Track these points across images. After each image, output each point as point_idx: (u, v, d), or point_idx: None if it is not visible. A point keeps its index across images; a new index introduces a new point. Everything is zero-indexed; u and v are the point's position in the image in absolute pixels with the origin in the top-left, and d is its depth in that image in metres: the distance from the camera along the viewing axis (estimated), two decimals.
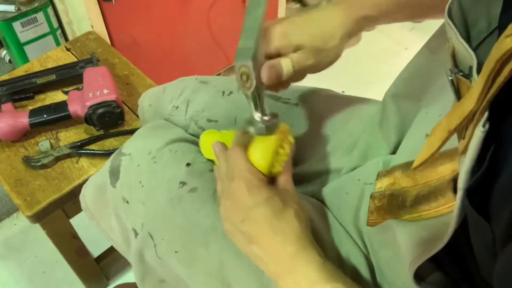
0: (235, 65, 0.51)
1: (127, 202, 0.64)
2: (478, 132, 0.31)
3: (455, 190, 0.42)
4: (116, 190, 0.65)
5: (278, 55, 0.55)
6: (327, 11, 0.56)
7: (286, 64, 0.54)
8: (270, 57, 0.54)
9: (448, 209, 0.42)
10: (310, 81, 0.73)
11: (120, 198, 0.65)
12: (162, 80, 1.10)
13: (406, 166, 0.50)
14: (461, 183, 0.33)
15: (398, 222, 0.48)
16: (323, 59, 0.56)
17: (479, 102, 0.31)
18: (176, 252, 0.59)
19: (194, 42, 1.43)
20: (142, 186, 0.62)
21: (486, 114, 0.31)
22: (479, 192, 0.32)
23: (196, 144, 0.67)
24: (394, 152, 0.62)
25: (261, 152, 0.53)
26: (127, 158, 0.65)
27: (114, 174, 0.66)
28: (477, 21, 0.39)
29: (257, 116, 0.53)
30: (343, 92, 0.76)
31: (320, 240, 0.55)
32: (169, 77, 0.79)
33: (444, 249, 0.39)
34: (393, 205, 0.50)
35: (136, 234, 0.63)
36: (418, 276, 0.43)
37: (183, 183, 0.61)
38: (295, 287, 0.47)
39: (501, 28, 0.40)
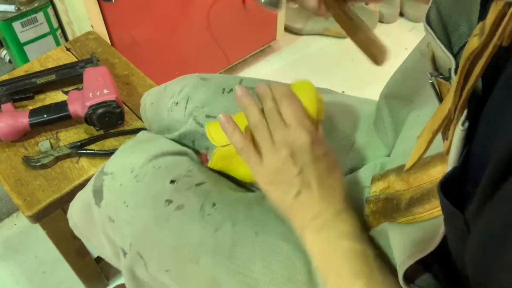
0: None
1: (113, 221, 0.63)
2: (458, 131, 0.31)
3: None
4: (101, 209, 0.64)
5: None
6: None
7: None
8: None
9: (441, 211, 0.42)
10: (311, 81, 0.74)
11: (106, 217, 0.64)
12: (162, 80, 1.10)
13: (400, 169, 0.50)
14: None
15: (392, 224, 0.48)
16: None
17: (455, 100, 0.32)
18: (167, 270, 0.59)
19: (194, 42, 1.43)
20: (127, 206, 0.61)
21: (465, 113, 0.31)
22: (456, 186, 0.33)
23: (181, 154, 0.66)
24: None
25: (308, 97, 0.51)
26: (109, 177, 0.64)
27: (98, 194, 0.65)
28: (458, 26, 0.40)
29: None
30: (343, 92, 0.76)
31: None
32: (169, 77, 0.79)
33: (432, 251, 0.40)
34: (387, 209, 0.50)
35: (124, 253, 0.63)
36: (407, 278, 0.43)
37: (169, 201, 0.59)
38: (324, 239, 0.47)
39: None
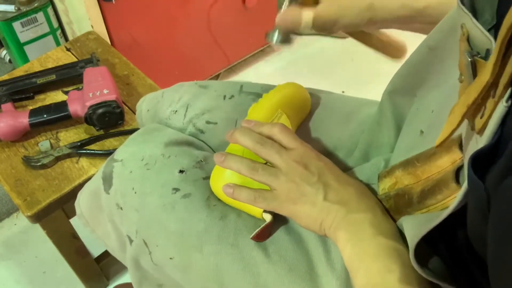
0: None
1: (121, 208, 0.63)
2: (501, 107, 0.31)
3: (457, 180, 0.43)
4: (110, 196, 0.65)
5: None
6: None
7: (306, 18, 0.60)
8: None
9: (454, 199, 0.42)
10: (311, 81, 0.74)
11: (114, 205, 0.64)
12: (162, 80, 1.10)
13: (406, 164, 0.50)
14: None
15: (406, 217, 0.48)
16: (342, 16, 0.59)
17: (494, 73, 0.32)
18: (171, 258, 0.59)
19: (194, 42, 1.43)
20: (135, 192, 0.62)
21: (510, 90, 0.31)
22: (485, 163, 0.33)
23: (188, 144, 0.66)
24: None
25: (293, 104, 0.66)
26: (119, 164, 0.65)
27: (107, 181, 0.65)
28: (483, 12, 0.41)
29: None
30: (343, 92, 0.77)
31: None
32: (169, 77, 0.79)
33: (440, 234, 0.40)
34: (400, 205, 0.50)
35: (131, 241, 0.63)
36: (419, 262, 0.43)
37: (176, 189, 0.60)
38: (358, 235, 0.48)
39: (499, 19, 0.41)
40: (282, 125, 0.57)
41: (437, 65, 0.53)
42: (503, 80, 0.31)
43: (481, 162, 0.33)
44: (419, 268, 0.42)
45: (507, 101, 0.31)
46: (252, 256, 0.55)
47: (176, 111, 0.71)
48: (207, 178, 0.62)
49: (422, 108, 0.55)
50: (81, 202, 0.73)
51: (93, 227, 0.74)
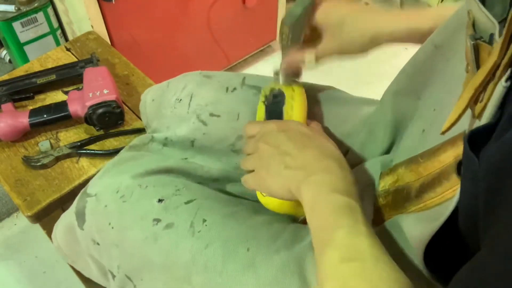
0: (281, 23, 0.62)
1: (98, 244, 0.62)
2: (500, 88, 0.31)
3: (459, 173, 0.42)
4: (84, 232, 0.63)
5: (316, 29, 0.63)
6: (373, 10, 0.61)
7: (309, 58, 0.63)
8: (311, 28, 0.64)
9: (453, 192, 0.42)
10: (311, 81, 0.74)
11: (90, 240, 0.63)
12: (162, 80, 1.10)
13: (410, 161, 0.50)
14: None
15: (403, 215, 0.48)
16: (345, 51, 0.63)
17: (501, 53, 0.32)
18: None
19: (194, 42, 1.43)
20: (112, 227, 0.60)
21: (509, 71, 0.31)
22: (482, 144, 0.33)
23: (167, 173, 0.64)
24: (387, 151, 0.62)
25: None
26: (93, 199, 0.63)
27: (80, 217, 0.63)
28: (494, 5, 0.41)
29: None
30: None
31: None
32: (169, 77, 0.79)
33: (442, 236, 0.40)
34: (398, 200, 0.50)
35: (113, 276, 0.61)
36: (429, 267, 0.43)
37: (157, 220, 0.58)
38: (315, 194, 0.48)
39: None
40: (248, 123, 0.60)
41: (442, 64, 0.52)
42: (504, 61, 0.31)
43: (479, 142, 0.33)
44: (425, 269, 0.42)
45: (506, 81, 0.31)
46: (242, 282, 0.53)
47: (181, 100, 0.70)
48: (189, 202, 0.60)
49: (426, 108, 0.54)
50: (58, 235, 0.72)
51: (73, 259, 0.72)
